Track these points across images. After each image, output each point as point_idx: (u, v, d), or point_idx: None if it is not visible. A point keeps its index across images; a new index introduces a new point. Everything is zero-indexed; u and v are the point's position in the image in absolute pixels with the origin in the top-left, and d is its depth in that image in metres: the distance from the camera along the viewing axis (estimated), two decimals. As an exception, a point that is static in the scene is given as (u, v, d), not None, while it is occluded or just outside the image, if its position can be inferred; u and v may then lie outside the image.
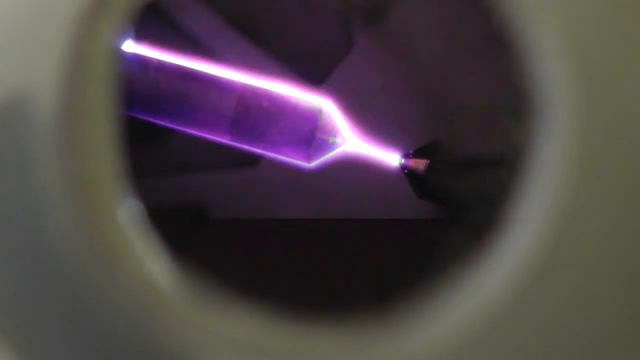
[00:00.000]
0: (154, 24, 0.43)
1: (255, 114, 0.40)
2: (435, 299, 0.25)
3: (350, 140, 0.41)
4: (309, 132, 0.40)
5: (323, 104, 0.40)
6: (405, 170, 0.41)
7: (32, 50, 0.25)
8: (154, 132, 0.42)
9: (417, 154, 0.41)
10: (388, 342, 0.25)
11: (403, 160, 0.41)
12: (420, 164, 0.41)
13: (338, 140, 0.40)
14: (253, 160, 0.44)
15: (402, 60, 0.43)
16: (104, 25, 0.25)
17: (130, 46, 0.41)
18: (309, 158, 0.40)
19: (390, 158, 0.41)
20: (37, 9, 0.25)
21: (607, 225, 0.24)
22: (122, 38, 0.39)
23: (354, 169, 0.42)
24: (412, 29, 0.42)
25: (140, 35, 0.41)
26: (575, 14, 0.24)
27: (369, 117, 0.42)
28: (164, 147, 0.44)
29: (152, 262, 0.25)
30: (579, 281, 0.24)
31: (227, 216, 0.44)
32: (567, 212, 0.24)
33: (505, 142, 0.27)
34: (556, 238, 0.24)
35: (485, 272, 0.25)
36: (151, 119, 0.41)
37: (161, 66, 0.41)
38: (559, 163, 0.24)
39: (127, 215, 0.25)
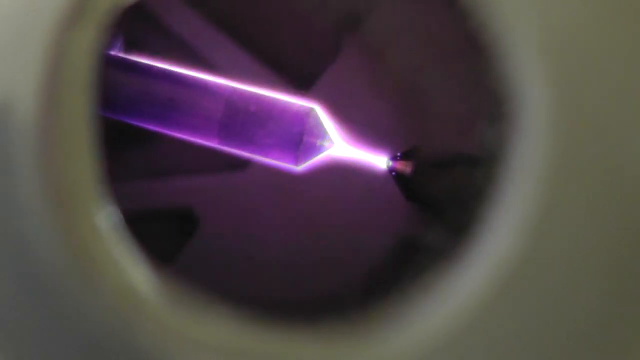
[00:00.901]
0: (141, 27, 0.44)
1: (243, 117, 0.40)
2: (419, 301, 0.25)
3: (338, 143, 0.41)
4: (297, 135, 0.40)
5: (311, 108, 0.40)
6: (393, 173, 0.41)
7: (11, 56, 0.25)
8: (142, 136, 0.42)
9: (405, 156, 0.41)
10: (370, 344, 0.25)
11: (391, 163, 0.41)
12: (407, 166, 0.41)
13: (326, 143, 0.40)
14: (241, 163, 0.44)
15: (386, 65, 0.43)
16: (85, 30, 0.25)
17: (117, 50, 0.41)
18: (297, 161, 0.40)
19: (378, 161, 0.41)
20: (17, 14, 0.25)
21: (582, 226, 0.24)
22: (107, 42, 0.39)
23: (342, 172, 0.42)
24: (393, 35, 0.42)
25: (128, 39, 0.42)
26: (551, 17, 0.24)
27: (356, 120, 0.42)
28: (152, 151, 0.44)
29: (132, 268, 0.25)
30: (556, 281, 0.25)
31: (214, 219, 0.44)
32: (543, 213, 0.24)
33: (483, 144, 0.28)
34: (532, 239, 0.24)
35: (465, 273, 0.25)
36: (138, 123, 0.41)
37: (149, 70, 0.41)
38: (535, 165, 0.24)
39: (106, 221, 0.25)
